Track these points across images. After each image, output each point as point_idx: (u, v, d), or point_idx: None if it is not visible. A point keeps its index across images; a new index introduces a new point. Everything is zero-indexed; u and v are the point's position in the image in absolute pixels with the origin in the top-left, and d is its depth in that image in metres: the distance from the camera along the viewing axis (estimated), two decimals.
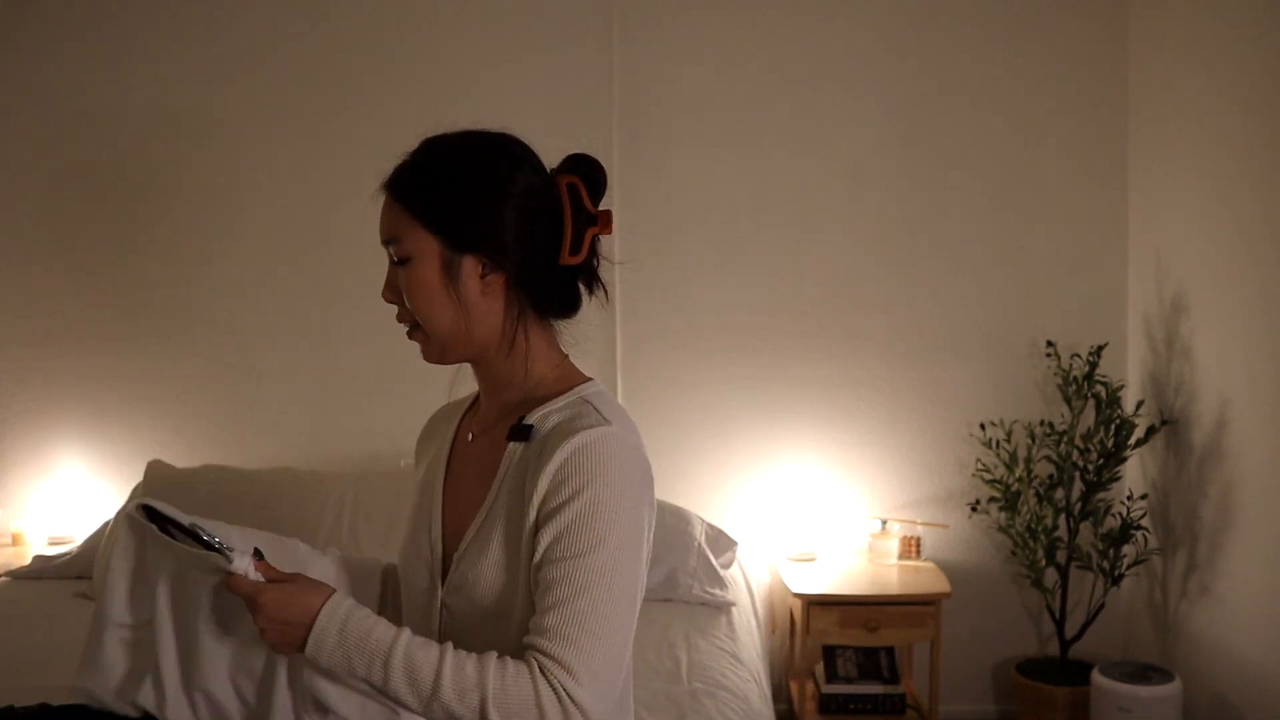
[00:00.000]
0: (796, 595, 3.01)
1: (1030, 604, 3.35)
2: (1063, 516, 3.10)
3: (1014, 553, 3.17)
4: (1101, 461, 3.04)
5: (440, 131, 1.27)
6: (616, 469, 1.16)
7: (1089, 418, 3.12)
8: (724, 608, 2.83)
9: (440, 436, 1.40)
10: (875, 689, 3.08)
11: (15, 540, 3.33)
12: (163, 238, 3.38)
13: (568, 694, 1.09)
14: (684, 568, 2.86)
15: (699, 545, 2.91)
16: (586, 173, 1.25)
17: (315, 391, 3.39)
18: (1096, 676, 2.88)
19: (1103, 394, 3.06)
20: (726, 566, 2.99)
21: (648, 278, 3.24)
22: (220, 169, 3.36)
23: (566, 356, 1.32)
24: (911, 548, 3.24)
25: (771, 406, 3.33)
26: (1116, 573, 3.06)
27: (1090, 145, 3.28)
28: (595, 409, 1.22)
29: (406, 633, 1.12)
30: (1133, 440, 3.05)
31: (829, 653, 3.15)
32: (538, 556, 1.16)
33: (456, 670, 1.10)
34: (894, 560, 3.21)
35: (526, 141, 1.28)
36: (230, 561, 1.14)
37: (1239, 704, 2.74)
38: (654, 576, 2.72)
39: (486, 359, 1.28)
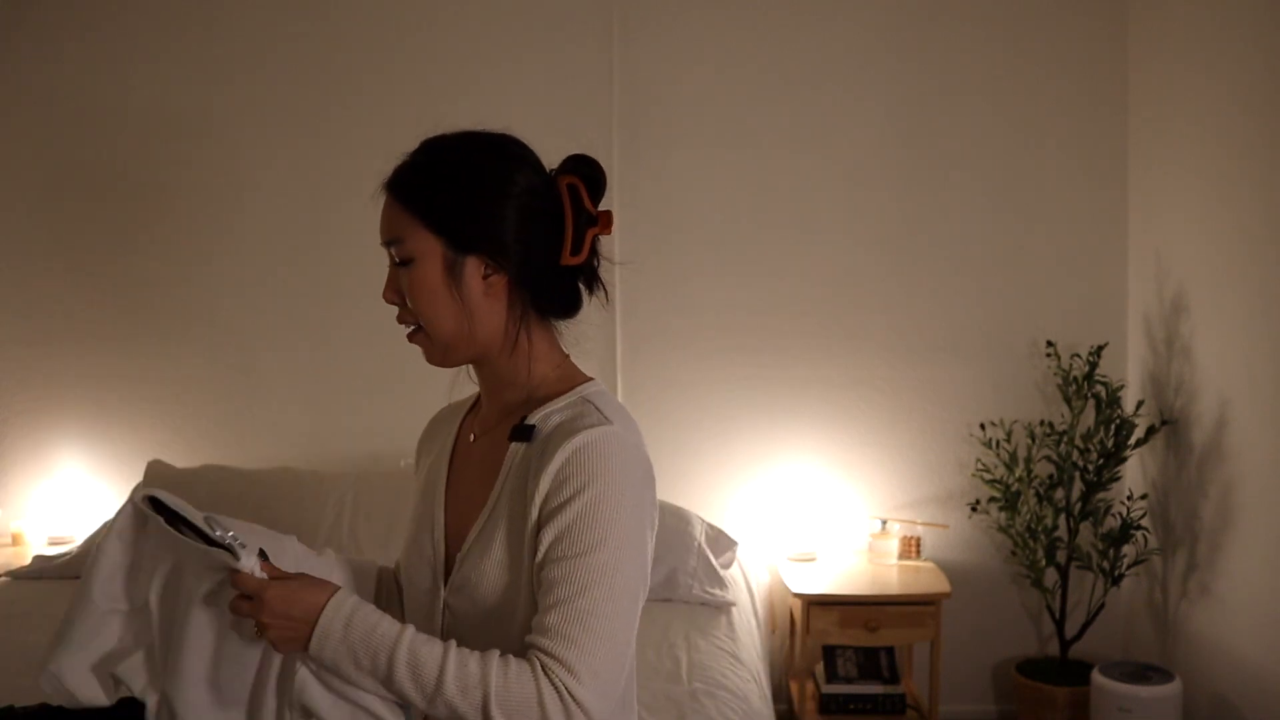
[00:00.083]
0: (796, 595, 3.01)
1: (1030, 604, 3.35)
2: (1063, 516, 3.10)
3: (1014, 553, 3.17)
4: (1101, 461, 3.04)
5: (440, 132, 1.27)
6: (618, 468, 1.16)
7: (1089, 418, 3.12)
8: (724, 608, 2.84)
9: (442, 438, 1.40)
10: (875, 689, 3.08)
11: (15, 540, 3.34)
12: (163, 238, 3.38)
13: (569, 693, 1.09)
14: (684, 568, 2.86)
15: (699, 545, 2.91)
16: (587, 173, 1.25)
17: (315, 391, 3.39)
18: (1096, 676, 2.88)
19: (1103, 394, 3.06)
20: (726, 566, 2.99)
21: (648, 278, 3.24)
22: (220, 169, 3.36)
23: (568, 356, 1.32)
24: (911, 548, 3.24)
25: (771, 406, 3.33)
26: (1116, 573, 3.06)
27: (1090, 145, 3.28)
28: (597, 408, 1.22)
29: (410, 629, 1.13)
30: (1133, 440, 3.05)
31: (829, 653, 3.16)
32: (540, 556, 1.16)
33: (460, 667, 1.10)
34: (894, 560, 3.21)
35: (526, 141, 1.28)
36: (238, 559, 1.14)
37: (1239, 704, 2.74)
38: (654, 576, 2.68)
39: (489, 360, 1.28)
